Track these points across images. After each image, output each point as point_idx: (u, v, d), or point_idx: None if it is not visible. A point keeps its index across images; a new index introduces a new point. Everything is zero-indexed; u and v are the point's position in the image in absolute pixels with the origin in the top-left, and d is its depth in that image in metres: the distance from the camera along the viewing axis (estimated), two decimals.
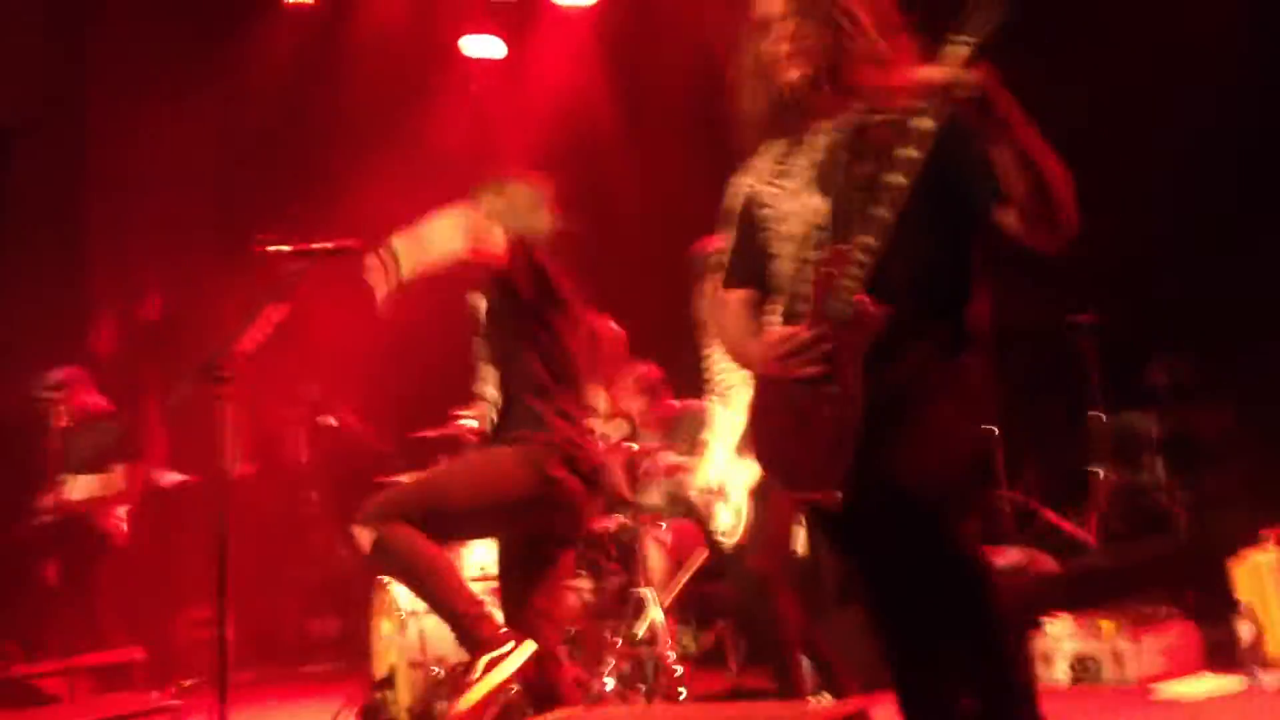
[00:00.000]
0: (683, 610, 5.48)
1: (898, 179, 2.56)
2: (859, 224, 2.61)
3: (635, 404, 5.87)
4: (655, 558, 5.51)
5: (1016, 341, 6.26)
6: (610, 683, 5.08)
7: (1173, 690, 4.37)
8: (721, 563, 5.19)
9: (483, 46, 8.23)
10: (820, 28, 2.72)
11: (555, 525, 3.78)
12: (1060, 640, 4.83)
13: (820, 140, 2.79)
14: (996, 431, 6.15)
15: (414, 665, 5.04)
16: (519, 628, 3.61)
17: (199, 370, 3.87)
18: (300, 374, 7.47)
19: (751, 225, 2.90)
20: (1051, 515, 6.03)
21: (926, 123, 2.53)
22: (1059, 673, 4.80)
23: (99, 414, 6.63)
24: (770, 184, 2.86)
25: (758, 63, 2.80)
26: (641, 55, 7.75)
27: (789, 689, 4.71)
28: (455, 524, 3.75)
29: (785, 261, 2.81)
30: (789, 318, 2.77)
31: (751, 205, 2.91)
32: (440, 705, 4.91)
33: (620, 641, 5.24)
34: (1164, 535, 5.92)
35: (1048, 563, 5.54)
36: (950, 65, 2.46)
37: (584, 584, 5.59)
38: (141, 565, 7.38)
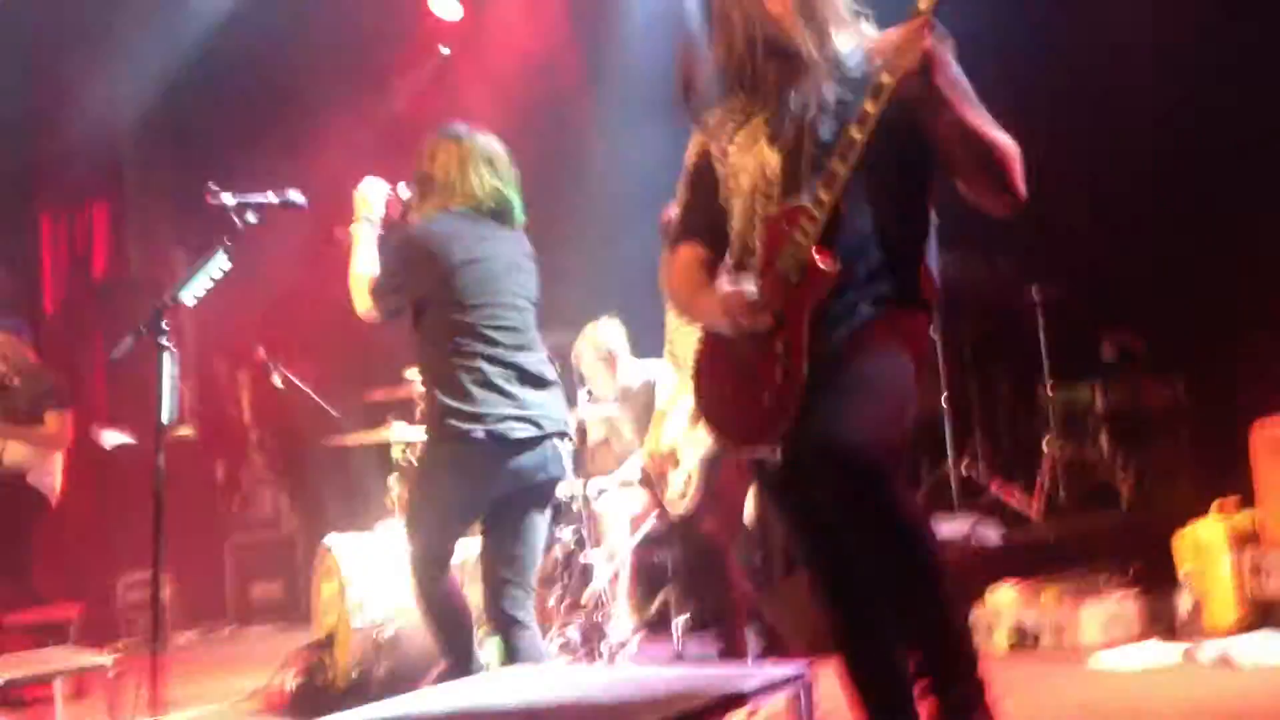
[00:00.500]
0: (631, 577, 5.46)
1: (853, 135, 2.54)
2: (813, 179, 2.60)
3: (591, 369, 5.82)
4: (605, 524, 5.48)
5: (967, 314, 6.35)
6: (554, 646, 5.07)
7: (1109, 660, 4.40)
8: (671, 529, 5.20)
9: (446, 6, 8.10)
10: None
11: None
12: (1001, 610, 4.86)
13: (777, 97, 2.77)
14: (945, 402, 6.19)
15: (354, 628, 5.00)
16: None
17: (143, 324, 3.81)
18: (247, 331, 7.37)
19: (707, 181, 2.88)
20: (997, 486, 6.06)
21: (885, 79, 2.52)
22: (998, 642, 4.83)
23: (34, 366, 6.52)
24: (728, 139, 2.84)
25: (740, 13, 2.77)
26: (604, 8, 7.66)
27: (733, 654, 4.71)
28: None
29: (738, 217, 2.79)
30: (739, 271, 2.75)
31: (708, 161, 2.89)
32: (380, 668, 4.88)
33: (567, 607, 5.23)
34: (1109, 508, 5.96)
35: (992, 533, 5.56)
36: (906, 30, 2.48)
37: None
38: (83, 526, 7.30)
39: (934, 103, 2.53)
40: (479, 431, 3.78)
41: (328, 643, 5.11)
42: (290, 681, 5.07)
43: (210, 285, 3.94)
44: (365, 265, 4.03)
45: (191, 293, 3.95)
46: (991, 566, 5.26)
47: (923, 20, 2.48)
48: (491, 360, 3.85)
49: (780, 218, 2.66)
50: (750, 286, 2.66)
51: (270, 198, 4.04)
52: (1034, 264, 6.16)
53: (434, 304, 3.91)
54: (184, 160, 7.98)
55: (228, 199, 3.99)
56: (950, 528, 5.59)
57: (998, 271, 6.18)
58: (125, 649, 5.91)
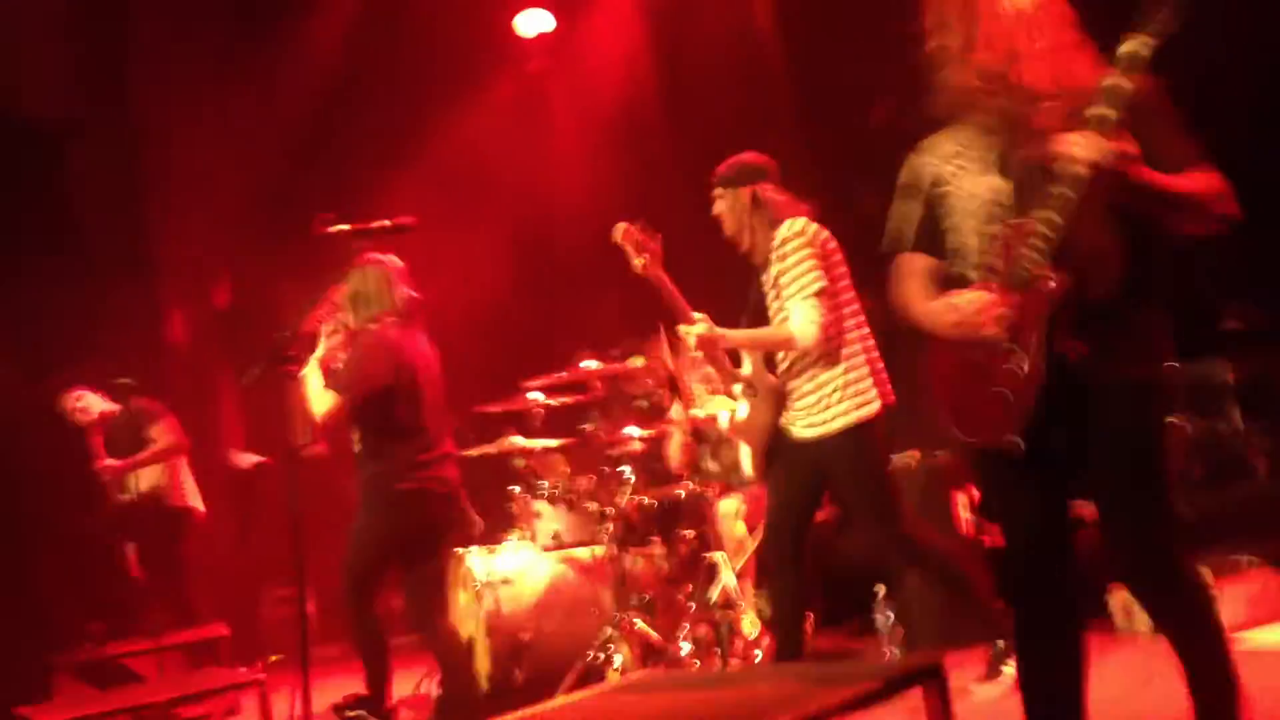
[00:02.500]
0: (757, 574, 5.49)
1: (1077, 166, 2.76)
2: (1041, 201, 2.83)
3: (700, 372, 5.87)
4: (728, 523, 5.52)
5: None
6: (686, 647, 5.12)
7: (1258, 639, 4.30)
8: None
9: (534, 23, 8.21)
10: (1057, 41, 2.95)
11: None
12: None
13: (1002, 128, 3.01)
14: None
15: (491, 633, 5.11)
16: None
17: (268, 353, 3.95)
18: None
19: (932, 201, 3.14)
20: None
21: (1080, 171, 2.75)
22: (1140, 624, 4.75)
23: (118, 409, 6.81)
24: (951, 165, 3.10)
25: (967, 50, 2.99)
26: (688, 25, 7.69)
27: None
28: None
29: (968, 236, 3.04)
30: (968, 284, 2.99)
31: (933, 183, 3.15)
32: (518, 672, 4.98)
33: (694, 606, 5.28)
34: (1244, 482, 5.81)
35: None
36: (1096, 124, 2.74)
37: (657, 550, 5.63)
38: (225, 545, 7.53)
39: (1129, 186, 2.77)
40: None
41: (469, 651, 5.22)
42: (432, 689, 5.20)
43: (331, 314, 4.07)
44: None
45: (314, 321, 4.08)
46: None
47: (1108, 131, 2.72)
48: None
49: (1014, 234, 2.89)
50: (986, 297, 2.90)
51: (381, 224, 4.16)
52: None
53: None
54: (286, 187, 8.22)
55: (340, 228, 4.12)
56: (1087, 509, 5.50)
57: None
58: (273, 664, 6.10)
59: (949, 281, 3.06)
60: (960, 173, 3.08)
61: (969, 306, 2.92)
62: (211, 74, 8.04)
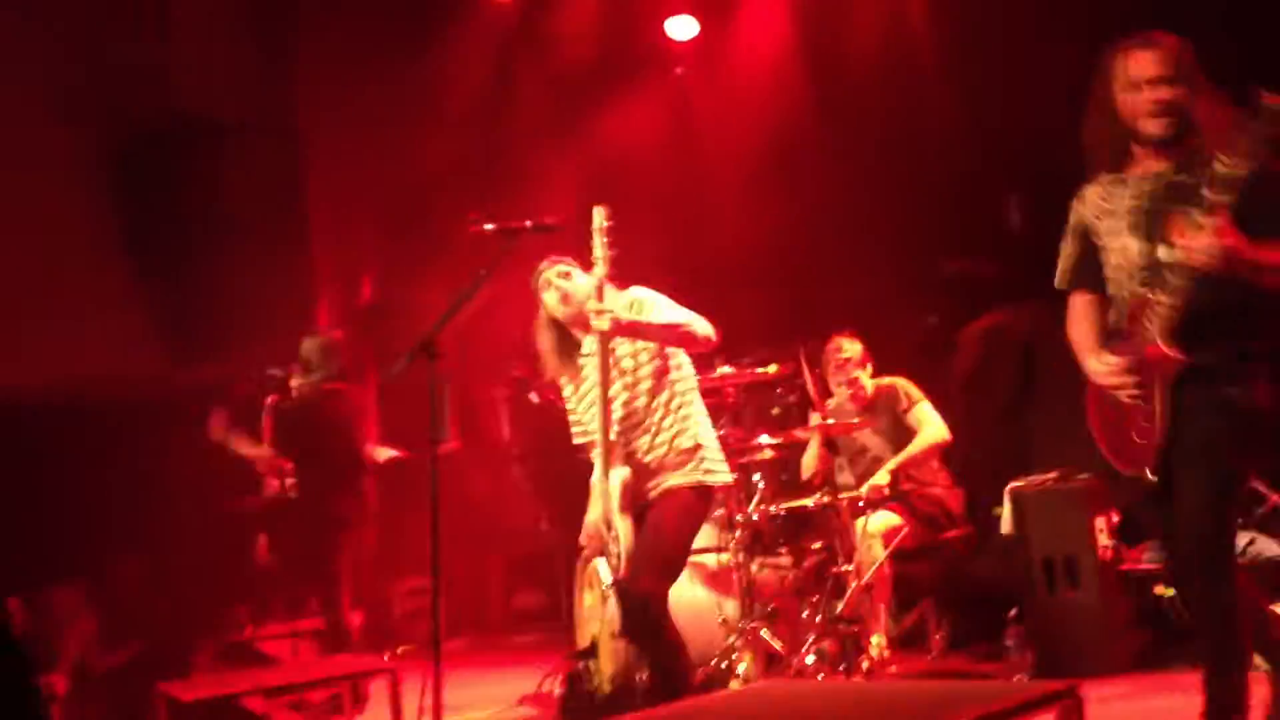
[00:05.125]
0: (886, 590, 5.42)
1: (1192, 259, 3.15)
2: (1160, 270, 3.27)
3: (836, 381, 5.84)
4: (867, 540, 5.46)
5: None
6: (810, 660, 5.08)
7: None
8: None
9: (682, 28, 8.25)
10: (1186, 98, 3.32)
11: None
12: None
13: (1142, 185, 3.40)
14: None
15: (615, 636, 5.13)
16: None
17: (415, 348, 4.03)
18: (504, 351, 7.65)
19: (1087, 243, 3.56)
20: (1276, 497, 5.73)
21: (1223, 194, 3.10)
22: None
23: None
24: (1098, 217, 3.49)
25: (1112, 104, 3.40)
26: (837, 34, 7.65)
27: None
28: None
29: (1116, 288, 3.46)
30: (1114, 337, 3.46)
31: (1084, 228, 3.56)
32: (640, 676, 4.99)
33: (820, 620, 5.24)
34: None
35: (1271, 547, 5.28)
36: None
37: (784, 561, 5.60)
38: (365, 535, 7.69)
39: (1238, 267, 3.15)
40: None
41: (591, 651, 5.25)
42: (556, 688, 5.25)
43: (476, 312, 4.15)
44: None
45: (458, 319, 4.16)
46: (1270, 582, 5.00)
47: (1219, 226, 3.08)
48: None
49: (1139, 306, 3.34)
50: (1117, 362, 3.39)
51: (527, 224, 4.23)
52: None
53: None
54: (436, 186, 8.38)
55: (488, 227, 4.20)
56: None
57: None
58: (403, 655, 6.22)
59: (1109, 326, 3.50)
60: (1108, 227, 3.45)
61: (1111, 371, 3.39)
62: (371, 75, 8.24)
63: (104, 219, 7.55)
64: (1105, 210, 3.47)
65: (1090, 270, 3.55)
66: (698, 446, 4.38)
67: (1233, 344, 3.29)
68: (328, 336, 6.66)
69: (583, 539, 4.57)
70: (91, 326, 7.49)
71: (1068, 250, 3.63)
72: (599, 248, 4.24)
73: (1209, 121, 3.29)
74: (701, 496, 4.39)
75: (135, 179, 7.63)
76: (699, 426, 4.42)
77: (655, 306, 4.36)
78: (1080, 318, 3.60)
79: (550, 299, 4.49)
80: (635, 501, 4.30)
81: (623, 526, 4.27)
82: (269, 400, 6.61)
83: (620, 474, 4.28)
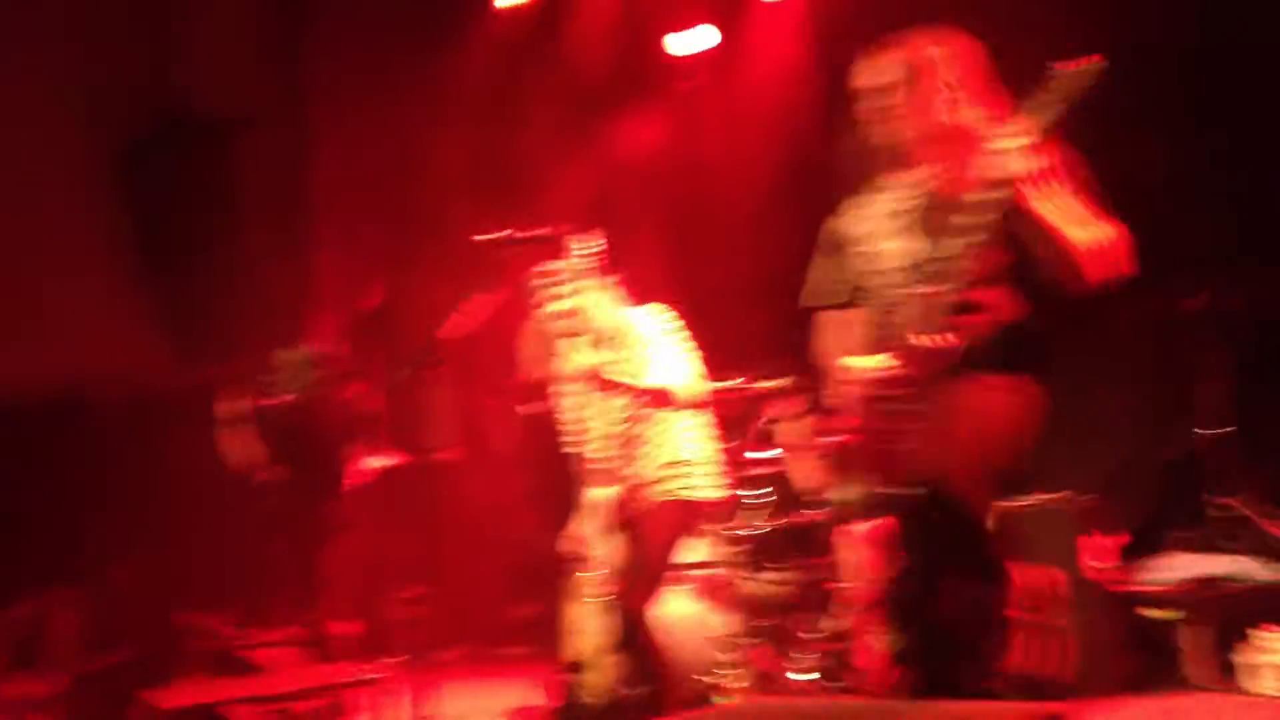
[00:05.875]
0: (877, 605, 5.42)
1: (974, 231, 3.02)
2: (941, 269, 3.10)
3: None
4: (854, 553, 5.46)
5: (1243, 337, 6.06)
6: (804, 677, 5.08)
7: None
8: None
9: (692, 40, 8.26)
10: (924, 96, 3.25)
11: None
12: (1271, 652, 4.64)
13: (908, 193, 3.33)
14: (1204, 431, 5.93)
15: (604, 650, 5.13)
16: None
17: (417, 355, 4.05)
18: (502, 362, 7.64)
19: (841, 256, 3.46)
20: (1267, 523, 5.75)
21: (997, 188, 2.98)
22: (1267, 685, 4.60)
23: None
24: (864, 227, 3.40)
25: (866, 119, 3.35)
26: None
27: None
28: None
29: (877, 296, 3.33)
30: (881, 346, 3.27)
31: (846, 242, 3.46)
32: (635, 688, 4.99)
33: (815, 636, 5.24)
34: None
35: (1261, 572, 5.30)
36: (1008, 148, 2.93)
37: (780, 576, 5.60)
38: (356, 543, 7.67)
39: (1021, 213, 3.00)
40: None
41: (581, 664, 5.25)
42: (547, 701, 5.24)
43: (479, 321, 4.17)
44: None
45: (461, 327, 4.18)
46: (1258, 606, 5.02)
47: (1024, 146, 2.91)
48: None
49: (906, 300, 3.19)
50: (887, 361, 3.19)
51: (531, 234, 4.25)
52: None
53: None
54: (441, 193, 8.39)
55: (493, 236, 4.23)
56: (1216, 566, 5.36)
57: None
58: (393, 665, 6.19)
59: (870, 339, 3.34)
60: (869, 235, 3.37)
61: (872, 372, 3.22)
62: (379, 80, 8.26)
63: (107, 217, 7.56)
64: (865, 219, 3.41)
65: (845, 285, 3.46)
66: (686, 460, 4.39)
67: (1000, 335, 3.17)
68: (306, 349, 6.66)
69: (565, 546, 4.59)
70: (93, 325, 7.50)
71: (819, 266, 3.54)
72: (589, 274, 4.29)
73: (989, 113, 3.19)
74: (687, 511, 4.40)
75: (139, 177, 7.64)
76: (689, 439, 4.43)
77: (644, 349, 4.37)
78: (833, 331, 3.49)
79: (542, 316, 4.52)
80: (621, 514, 4.31)
81: (607, 540, 4.28)
82: (256, 404, 6.61)
83: (603, 492, 4.30)
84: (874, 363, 3.23)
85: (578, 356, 4.29)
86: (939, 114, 3.23)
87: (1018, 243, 3.08)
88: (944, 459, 3.03)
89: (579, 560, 4.56)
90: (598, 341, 4.38)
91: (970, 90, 3.25)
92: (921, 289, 3.19)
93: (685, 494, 4.37)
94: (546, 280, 4.53)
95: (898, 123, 3.28)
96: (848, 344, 3.39)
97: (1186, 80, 6.12)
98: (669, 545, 4.38)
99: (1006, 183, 2.95)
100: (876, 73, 3.33)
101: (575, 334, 4.44)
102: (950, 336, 3.07)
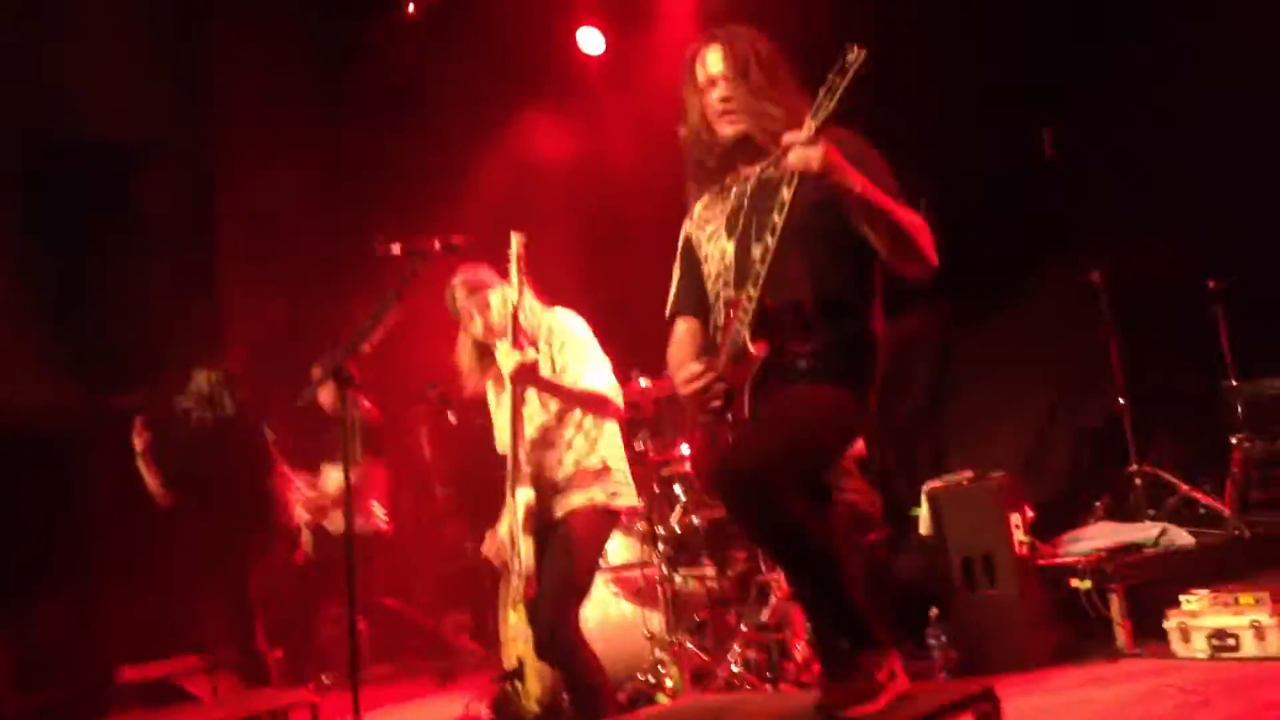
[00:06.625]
0: None
1: (775, 220, 3.00)
2: (751, 268, 3.08)
3: None
4: None
5: (1147, 309, 6.17)
6: (737, 669, 5.09)
7: None
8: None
9: (592, 41, 8.26)
10: (749, 91, 3.20)
11: None
12: (1199, 615, 4.71)
13: (739, 188, 3.27)
14: (1125, 402, 6.02)
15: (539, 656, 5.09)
16: None
17: (325, 373, 3.99)
18: (421, 371, 7.59)
19: (692, 264, 3.41)
20: (1186, 487, 5.86)
21: (785, 194, 2.98)
22: (1197, 648, 4.67)
23: None
24: (701, 229, 3.37)
25: (701, 118, 3.29)
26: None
27: None
28: None
29: (713, 299, 3.30)
30: (708, 350, 3.28)
31: (690, 247, 3.43)
32: (566, 694, 4.96)
33: (746, 628, 5.25)
34: None
35: (1183, 536, 5.39)
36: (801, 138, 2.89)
37: (708, 572, 5.60)
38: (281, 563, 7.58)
39: (837, 193, 2.94)
40: None
41: (518, 672, 5.22)
42: (483, 711, 5.20)
43: (387, 333, 4.12)
44: None
45: (369, 340, 4.12)
46: (1184, 571, 5.11)
47: (812, 133, 2.87)
48: None
49: (728, 305, 3.18)
50: (698, 368, 3.19)
51: (434, 245, 4.20)
52: (1215, 254, 5.95)
53: None
54: (346, 207, 8.31)
55: (395, 249, 4.17)
56: (1141, 532, 5.44)
57: (1178, 265, 6.00)
58: (327, 686, 6.13)
59: (700, 346, 3.33)
60: (708, 236, 3.32)
61: (691, 378, 3.20)
62: (282, 94, 8.16)
63: (10, 248, 7.40)
64: (705, 220, 3.36)
65: (695, 294, 3.41)
66: (606, 468, 4.38)
67: (813, 334, 3.13)
68: (221, 369, 6.54)
69: (485, 550, 4.56)
70: (2, 357, 7.33)
71: (676, 275, 3.50)
72: (514, 275, 4.25)
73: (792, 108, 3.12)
74: (606, 518, 4.39)
75: (42, 205, 7.49)
76: (609, 447, 4.42)
77: (577, 350, 4.35)
78: (682, 342, 3.44)
79: (470, 323, 4.49)
80: (540, 519, 4.29)
81: (525, 546, 4.26)
82: (170, 430, 6.51)
83: (525, 495, 4.28)
84: (690, 371, 3.22)
85: (506, 358, 4.25)
86: (769, 109, 3.17)
87: (851, 232, 3.04)
88: (749, 458, 2.97)
89: (502, 565, 4.53)
90: (528, 343, 4.34)
91: (785, 86, 3.22)
92: (729, 293, 3.20)
93: (609, 501, 4.36)
94: (470, 284, 4.50)
95: (735, 116, 3.22)
96: (685, 354, 3.38)
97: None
98: (589, 551, 4.36)
99: (797, 178, 2.94)
100: (718, 60, 3.25)
101: (501, 336, 4.41)
102: (757, 345, 3.06)
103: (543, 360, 4.33)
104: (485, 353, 4.56)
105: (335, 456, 6.55)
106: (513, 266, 4.25)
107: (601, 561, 5.44)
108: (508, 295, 4.31)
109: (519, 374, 4.18)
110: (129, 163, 7.93)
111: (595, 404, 4.34)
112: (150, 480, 6.24)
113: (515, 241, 4.26)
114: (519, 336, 4.23)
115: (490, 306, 4.47)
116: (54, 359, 7.31)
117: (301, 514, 6.61)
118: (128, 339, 7.43)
